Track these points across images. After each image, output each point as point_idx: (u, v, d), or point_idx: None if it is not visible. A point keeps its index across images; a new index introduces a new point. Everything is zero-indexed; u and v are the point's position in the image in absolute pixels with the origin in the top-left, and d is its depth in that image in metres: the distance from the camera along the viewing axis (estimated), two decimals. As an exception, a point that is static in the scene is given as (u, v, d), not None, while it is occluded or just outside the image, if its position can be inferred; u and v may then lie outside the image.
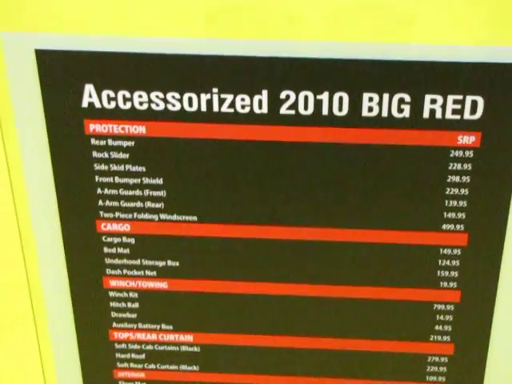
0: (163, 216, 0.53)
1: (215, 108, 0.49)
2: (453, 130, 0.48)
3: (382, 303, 0.55)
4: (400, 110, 0.48)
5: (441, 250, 0.52)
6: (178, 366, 0.59)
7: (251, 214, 0.52)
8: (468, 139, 0.49)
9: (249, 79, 0.48)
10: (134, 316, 0.57)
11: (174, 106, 0.49)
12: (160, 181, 0.51)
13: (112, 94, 0.49)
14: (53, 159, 0.51)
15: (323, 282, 0.54)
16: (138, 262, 0.55)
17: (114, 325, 0.57)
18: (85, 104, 0.49)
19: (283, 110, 0.48)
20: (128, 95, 0.49)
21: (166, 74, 0.48)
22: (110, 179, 0.52)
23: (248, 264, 0.54)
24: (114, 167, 0.51)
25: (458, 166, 0.50)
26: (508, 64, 0.46)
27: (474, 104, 0.47)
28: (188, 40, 0.47)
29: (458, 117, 0.48)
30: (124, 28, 0.46)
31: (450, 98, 0.47)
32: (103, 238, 0.54)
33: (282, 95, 0.48)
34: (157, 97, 0.48)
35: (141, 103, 0.49)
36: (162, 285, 0.55)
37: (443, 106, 0.48)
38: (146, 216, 0.53)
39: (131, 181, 0.52)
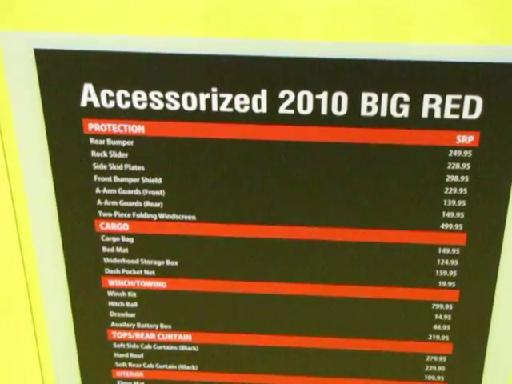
0: (162, 215, 0.53)
1: (214, 107, 0.49)
2: (451, 130, 0.48)
3: (380, 302, 0.55)
4: (399, 110, 0.48)
5: (439, 249, 0.52)
6: (176, 365, 0.59)
7: (250, 214, 0.52)
8: (467, 139, 0.49)
9: (248, 79, 0.48)
10: (132, 315, 0.57)
11: (173, 105, 0.49)
12: (159, 180, 0.51)
13: (111, 94, 0.49)
14: (51, 158, 0.51)
15: (320, 282, 0.54)
16: (136, 261, 0.55)
17: (113, 324, 0.57)
18: (84, 103, 0.49)
19: (282, 110, 0.48)
20: (127, 94, 0.49)
21: (165, 73, 0.48)
22: (109, 179, 0.52)
23: (246, 263, 0.54)
24: (113, 166, 0.51)
25: (457, 166, 0.50)
26: (507, 64, 0.46)
27: (473, 104, 0.47)
28: (187, 39, 0.47)
29: (456, 116, 0.48)
30: (123, 27, 0.46)
31: (449, 97, 0.47)
32: (102, 237, 0.54)
33: (281, 95, 0.48)
34: (156, 96, 0.48)
35: (140, 102, 0.49)
36: (160, 284, 0.55)
37: (442, 106, 0.48)
38: (145, 215, 0.53)
39: (130, 180, 0.52)
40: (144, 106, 0.49)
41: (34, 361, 0.59)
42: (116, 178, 0.52)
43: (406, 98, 0.48)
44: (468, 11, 0.45)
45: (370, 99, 0.48)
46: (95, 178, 0.52)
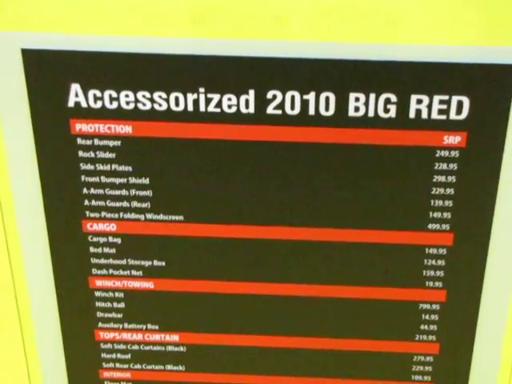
0: (149, 216, 0.53)
1: (202, 108, 0.49)
2: (439, 130, 0.49)
3: (367, 302, 0.55)
4: (386, 110, 0.48)
5: (426, 249, 0.53)
6: (163, 366, 0.59)
7: (237, 214, 0.52)
8: (454, 139, 0.49)
9: (235, 79, 0.48)
10: (119, 316, 0.57)
11: (160, 105, 0.49)
12: (146, 180, 0.51)
13: (98, 94, 0.49)
14: (39, 159, 0.51)
15: (307, 282, 0.54)
16: (124, 261, 0.55)
17: (100, 325, 0.57)
18: (71, 103, 0.49)
19: (270, 110, 0.48)
20: (114, 95, 0.48)
21: (152, 73, 0.48)
22: (96, 179, 0.52)
23: (234, 263, 0.54)
24: (100, 167, 0.51)
25: (444, 166, 0.50)
26: (494, 64, 0.46)
27: (460, 104, 0.48)
28: (175, 40, 0.47)
29: (443, 117, 0.48)
30: (111, 28, 0.46)
31: (436, 98, 0.47)
32: (89, 237, 0.54)
33: (269, 95, 0.48)
34: (143, 96, 0.48)
35: (127, 103, 0.49)
36: (148, 285, 0.55)
37: (429, 106, 0.48)
38: (133, 216, 0.53)
39: (117, 180, 0.52)
40: (131, 106, 0.49)
41: (20, 361, 0.59)
42: (103, 179, 0.52)
43: (394, 98, 0.48)
44: (455, 12, 0.45)
45: (357, 99, 0.48)
46: (82, 178, 0.52)
